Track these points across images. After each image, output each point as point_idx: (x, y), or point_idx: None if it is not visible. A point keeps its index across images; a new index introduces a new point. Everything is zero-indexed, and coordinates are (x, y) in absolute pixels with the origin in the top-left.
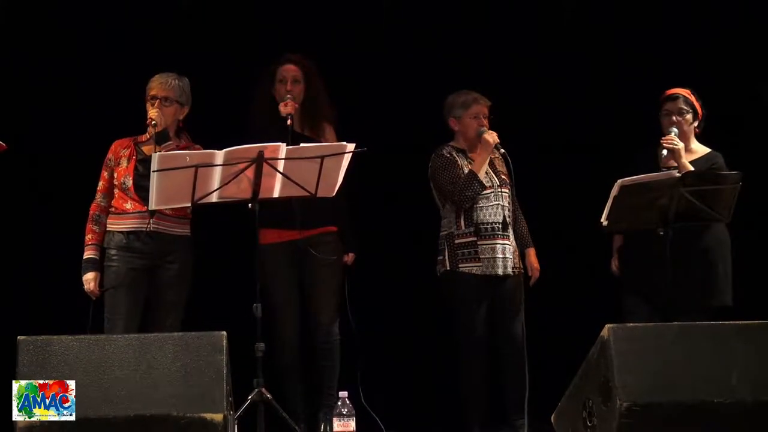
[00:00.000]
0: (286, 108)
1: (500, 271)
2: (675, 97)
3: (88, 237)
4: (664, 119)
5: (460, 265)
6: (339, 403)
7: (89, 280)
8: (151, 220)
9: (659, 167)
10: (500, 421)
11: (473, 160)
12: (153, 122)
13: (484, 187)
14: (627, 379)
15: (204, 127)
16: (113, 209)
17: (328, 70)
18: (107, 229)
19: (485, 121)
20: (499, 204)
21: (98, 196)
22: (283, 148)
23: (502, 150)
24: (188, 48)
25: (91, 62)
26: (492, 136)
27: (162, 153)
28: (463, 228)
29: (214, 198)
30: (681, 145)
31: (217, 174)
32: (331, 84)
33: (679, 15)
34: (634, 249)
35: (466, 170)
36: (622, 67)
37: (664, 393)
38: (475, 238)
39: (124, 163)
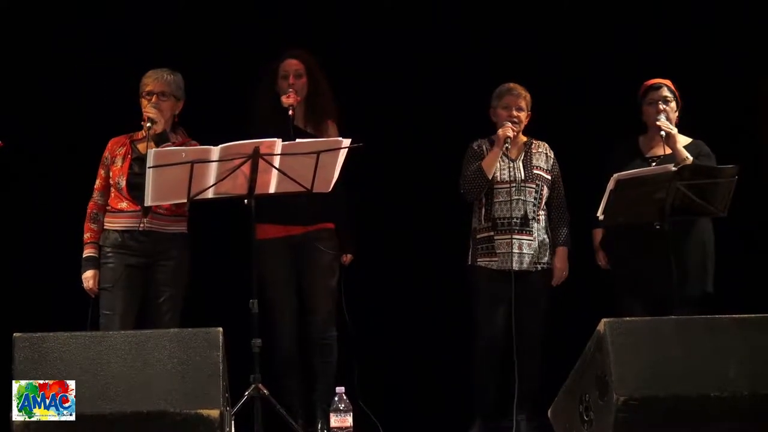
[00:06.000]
0: (288, 99)
1: (515, 267)
2: (658, 87)
3: (87, 235)
4: (649, 108)
5: (478, 260)
6: (336, 398)
7: (88, 278)
8: (145, 220)
9: (642, 156)
10: (501, 415)
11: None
12: (151, 120)
13: (489, 182)
14: (623, 373)
15: (204, 124)
16: (110, 207)
17: (332, 65)
18: (104, 227)
19: (519, 114)
20: (520, 199)
21: (95, 194)
22: (278, 144)
23: (541, 143)
24: (187, 44)
25: (88, 58)
26: (504, 131)
27: (157, 149)
28: (483, 222)
29: (210, 194)
30: (675, 130)
31: (213, 170)
32: (335, 79)
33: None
34: (625, 246)
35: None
36: (609, 59)
37: (661, 387)
38: (492, 233)
39: (119, 162)
